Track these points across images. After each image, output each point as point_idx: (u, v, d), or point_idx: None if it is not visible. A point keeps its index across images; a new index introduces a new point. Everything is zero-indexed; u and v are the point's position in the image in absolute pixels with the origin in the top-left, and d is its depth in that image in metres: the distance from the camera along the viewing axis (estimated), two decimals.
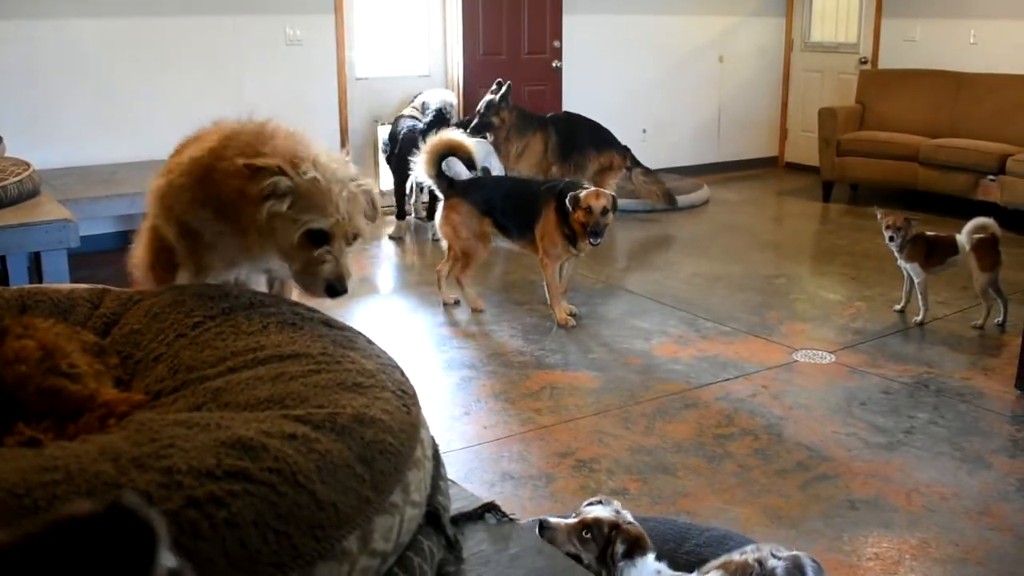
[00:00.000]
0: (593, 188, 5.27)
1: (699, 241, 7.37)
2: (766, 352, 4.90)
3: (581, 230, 5.09)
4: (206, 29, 7.00)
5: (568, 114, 7.88)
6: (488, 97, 7.32)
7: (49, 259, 4.47)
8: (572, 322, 5.28)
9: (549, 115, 7.70)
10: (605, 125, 8.19)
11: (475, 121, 7.18)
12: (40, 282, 5.21)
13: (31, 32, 6.38)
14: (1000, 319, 5.20)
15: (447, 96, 7.50)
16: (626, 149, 7.82)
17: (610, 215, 5.10)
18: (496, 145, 7.24)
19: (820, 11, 10.12)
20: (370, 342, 1.77)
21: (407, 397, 1.53)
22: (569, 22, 8.61)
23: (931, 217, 7.48)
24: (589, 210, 5.03)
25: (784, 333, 5.16)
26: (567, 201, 5.09)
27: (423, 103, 7.40)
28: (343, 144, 7.67)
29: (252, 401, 1.42)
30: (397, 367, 1.65)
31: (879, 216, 5.27)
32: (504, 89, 7.23)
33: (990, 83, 8.23)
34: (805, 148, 9.86)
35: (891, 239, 5.17)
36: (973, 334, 5.16)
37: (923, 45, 9.11)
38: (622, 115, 9.16)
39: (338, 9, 7.53)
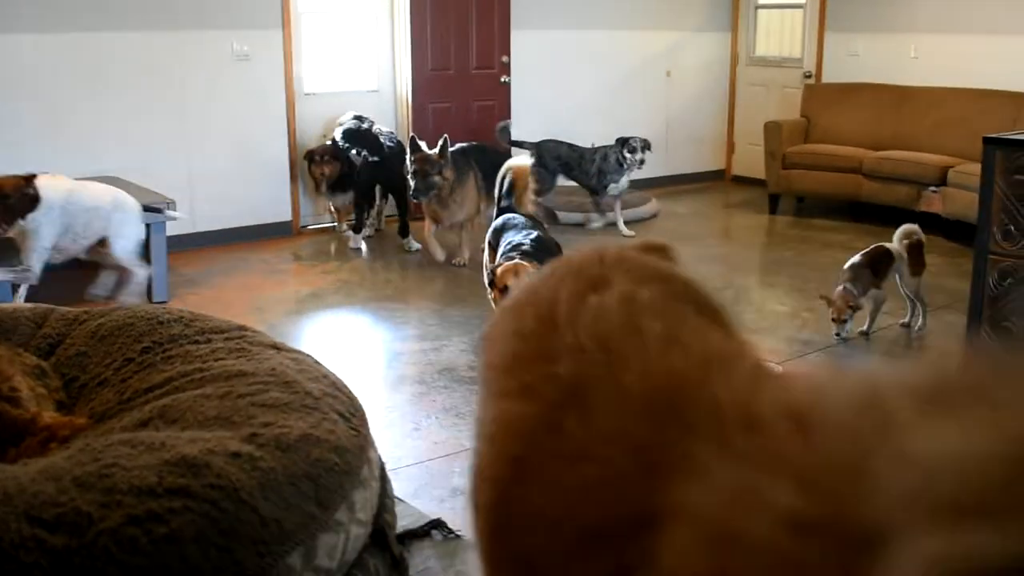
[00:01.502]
0: (513, 263, 4.42)
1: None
2: None
3: None
4: (151, 44, 6.94)
5: (472, 144, 7.38)
6: (420, 153, 6.72)
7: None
8: None
9: (459, 149, 7.12)
10: (555, 139, 8.24)
11: (415, 184, 6.66)
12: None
13: None
14: (920, 323, 5.36)
15: (352, 117, 7.63)
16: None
17: None
18: (440, 201, 6.78)
19: (765, 26, 10.27)
20: (317, 363, 1.78)
21: (355, 418, 1.54)
22: (517, 37, 8.66)
23: (874, 228, 7.62)
24: (505, 291, 4.17)
25: None
26: (485, 274, 4.54)
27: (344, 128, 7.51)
28: (291, 160, 7.65)
29: (200, 419, 1.42)
30: (345, 388, 1.66)
31: (827, 305, 5.26)
32: (443, 143, 6.72)
33: (931, 96, 8.40)
34: (751, 161, 9.98)
35: (844, 322, 5.16)
36: (915, 342, 5.26)
37: (866, 59, 9.28)
38: (571, 129, 9.21)
39: (286, 24, 7.51)
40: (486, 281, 4.29)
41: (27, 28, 6.47)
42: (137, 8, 6.84)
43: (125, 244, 5.62)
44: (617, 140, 7.74)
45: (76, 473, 1.23)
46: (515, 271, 4.26)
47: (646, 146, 7.74)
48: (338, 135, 7.33)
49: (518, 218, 5.08)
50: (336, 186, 7.43)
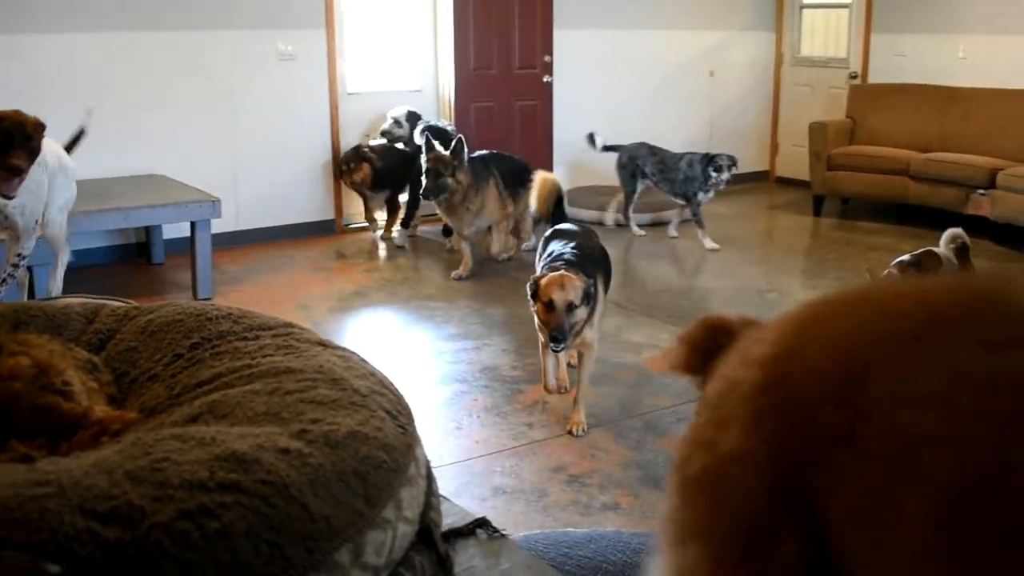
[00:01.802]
0: (558, 273, 3.92)
1: (690, 255, 7.39)
2: None
3: (543, 327, 3.96)
4: (199, 44, 7.02)
5: (492, 153, 7.10)
6: (435, 152, 6.42)
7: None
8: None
9: (479, 157, 6.84)
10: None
11: (426, 184, 6.41)
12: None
13: (23, 46, 6.39)
14: None
15: (407, 111, 7.65)
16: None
17: (581, 312, 3.90)
18: (451, 208, 6.57)
19: (810, 26, 10.18)
20: (364, 361, 1.78)
21: (402, 416, 1.55)
22: (560, 37, 8.65)
23: (921, 231, 7.53)
24: (550, 306, 3.86)
25: None
26: (528, 286, 4.01)
27: (394, 119, 7.59)
28: (335, 159, 7.69)
29: (249, 414, 1.43)
30: (392, 386, 1.67)
31: (864, 272, 5.23)
32: (456, 144, 6.42)
33: (979, 97, 8.28)
34: (795, 162, 9.90)
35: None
36: None
37: (913, 60, 9.17)
38: (612, 129, 9.18)
39: (329, 24, 7.56)
40: (528, 293, 3.98)
41: (77, 28, 6.57)
42: (184, 9, 6.92)
43: (58, 214, 4.78)
44: (703, 157, 7.48)
45: (128, 467, 1.24)
46: (560, 283, 3.85)
47: (732, 164, 7.50)
48: (418, 134, 7.26)
49: (568, 227, 4.67)
50: (375, 186, 7.49)
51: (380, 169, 7.43)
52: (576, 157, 8.89)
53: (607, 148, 7.98)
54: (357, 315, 5.90)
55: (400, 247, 7.46)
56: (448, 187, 6.39)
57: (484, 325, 5.57)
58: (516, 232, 7.16)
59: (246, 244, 7.29)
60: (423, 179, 6.47)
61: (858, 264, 6.80)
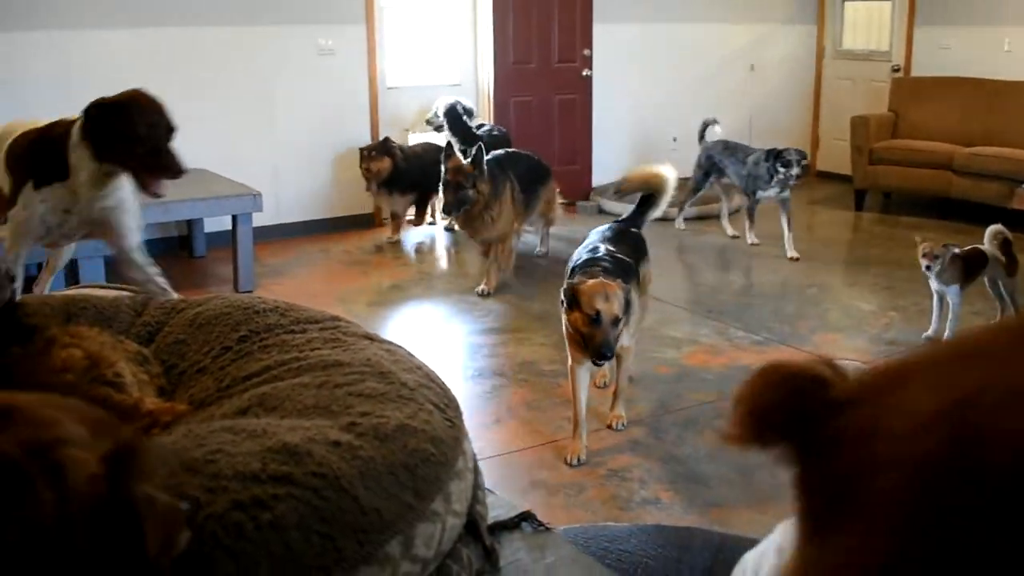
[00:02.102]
0: (599, 281, 3.63)
1: (730, 250, 7.35)
2: None
3: (580, 339, 3.67)
4: (239, 40, 7.07)
5: (508, 153, 6.64)
6: (455, 161, 5.96)
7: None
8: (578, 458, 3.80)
9: (493, 158, 6.25)
10: (636, 134, 8.19)
11: (446, 198, 5.96)
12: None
13: (63, 42, 6.48)
14: None
15: (454, 100, 7.40)
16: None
17: (622, 327, 3.67)
18: (469, 219, 6.06)
19: (852, 19, 10.07)
20: (410, 354, 1.79)
21: (450, 410, 1.55)
22: (599, 31, 8.62)
23: (964, 226, 7.43)
24: (596, 320, 3.56)
25: (816, 343, 5.14)
26: (563, 292, 3.70)
27: (436, 111, 7.45)
28: None
29: (298, 407, 1.45)
30: (438, 379, 1.68)
31: (918, 243, 5.13)
32: (476, 152, 5.97)
33: None
34: (837, 156, 9.80)
35: (928, 268, 5.02)
36: None
37: (957, 53, 9.05)
38: (652, 123, 9.16)
39: (369, 19, 7.59)
40: (563, 301, 3.65)
41: (118, 24, 6.64)
42: (224, 4, 6.98)
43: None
44: (768, 152, 7.05)
45: (183, 458, 1.26)
46: (605, 294, 3.55)
47: (802, 158, 6.98)
48: (440, 111, 7.21)
49: (606, 229, 4.35)
50: (389, 184, 7.23)
51: (402, 169, 7.18)
52: (613, 152, 8.86)
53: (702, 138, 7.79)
54: (396, 309, 5.93)
55: (449, 229, 7.45)
56: (469, 199, 5.92)
57: (522, 319, 5.58)
58: (548, 222, 6.98)
59: (286, 237, 7.35)
60: (441, 191, 6.05)
61: (900, 258, 6.71)
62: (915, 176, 8.22)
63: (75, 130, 3.36)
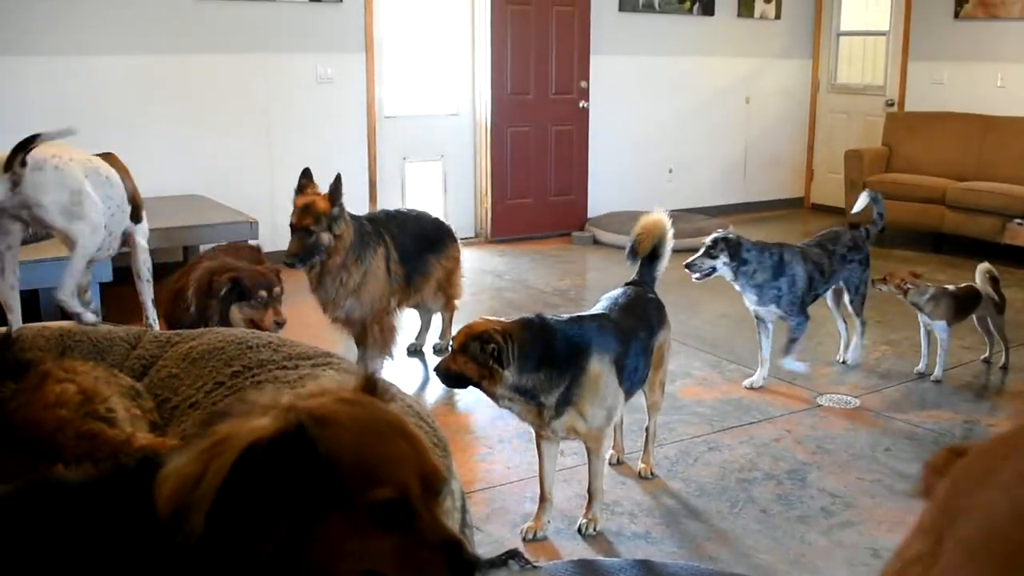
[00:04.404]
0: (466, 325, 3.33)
1: (724, 282, 7.36)
2: (791, 396, 4.90)
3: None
4: (239, 67, 7.13)
5: (386, 212, 5.27)
6: (306, 195, 4.52)
7: None
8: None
9: (368, 217, 5.04)
10: (632, 165, 8.21)
11: (292, 247, 4.53)
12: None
13: (60, 69, 6.52)
14: (1004, 361, 5.24)
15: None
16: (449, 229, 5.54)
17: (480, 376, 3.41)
18: (320, 276, 4.66)
19: (847, 53, 10.17)
20: (403, 393, 1.81)
21: (439, 449, 1.57)
22: (596, 63, 8.69)
23: (957, 260, 7.47)
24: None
25: (809, 377, 5.15)
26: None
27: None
28: (371, 181, 7.76)
29: None
30: (430, 418, 1.69)
31: (882, 283, 5.23)
32: (334, 184, 4.53)
33: (1018, 126, 8.23)
34: (831, 189, 9.87)
35: (905, 293, 5.11)
36: (998, 380, 5.15)
37: (950, 88, 9.13)
38: (648, 155, 9.22)
39: (368, 48, 7.65)
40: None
41: (116, 50, 6.69)
42: (223, 32, 7.03)
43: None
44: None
45: None
46: (465, 331, 3.33)
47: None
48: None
49: (619, 295, 3.88)
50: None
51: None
52: (609, 183, 8.91)
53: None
54: None
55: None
56: (323, 247, 4.53)
57: None
58: (450, 306, 5.56)
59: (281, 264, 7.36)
60: (299, 249, 4.54)
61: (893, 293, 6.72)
62: (908, 210, 8.27)
63: None
